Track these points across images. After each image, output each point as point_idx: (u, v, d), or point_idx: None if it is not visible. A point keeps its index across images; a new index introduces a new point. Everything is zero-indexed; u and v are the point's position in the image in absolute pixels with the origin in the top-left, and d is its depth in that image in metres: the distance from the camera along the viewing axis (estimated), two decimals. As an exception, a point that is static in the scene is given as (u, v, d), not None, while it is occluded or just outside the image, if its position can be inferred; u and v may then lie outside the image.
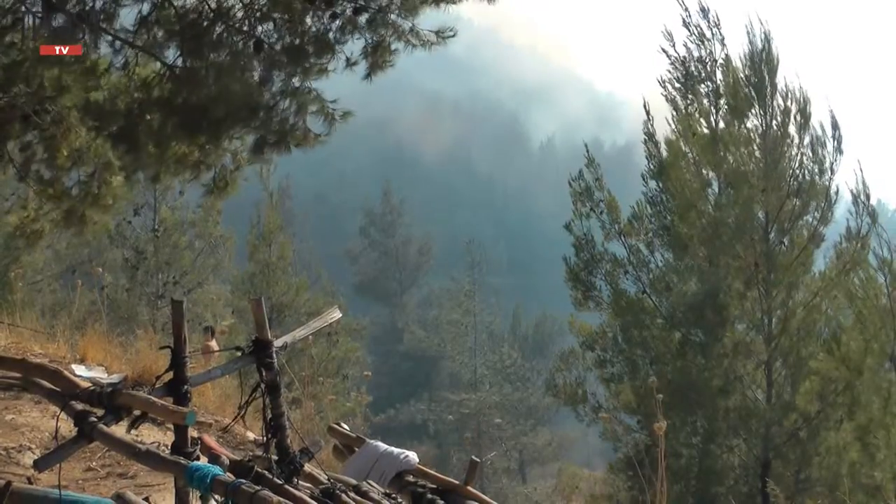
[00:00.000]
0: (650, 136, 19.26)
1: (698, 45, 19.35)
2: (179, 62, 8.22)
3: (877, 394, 16.21)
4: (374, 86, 8.81)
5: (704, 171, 18.72)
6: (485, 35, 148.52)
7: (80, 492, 5.69)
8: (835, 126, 17.96)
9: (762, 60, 18.16)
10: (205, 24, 7.87)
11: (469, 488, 4.53)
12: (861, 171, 17.70)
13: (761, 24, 18.67)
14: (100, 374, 8.99)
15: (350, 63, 8.37)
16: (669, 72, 19.52)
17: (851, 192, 17.65)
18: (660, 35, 19.68)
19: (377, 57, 8.38)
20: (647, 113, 19.31)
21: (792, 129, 18.00)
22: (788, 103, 18.02)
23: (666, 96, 19.53)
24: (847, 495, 13.45)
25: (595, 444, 34.40)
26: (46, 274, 23.43)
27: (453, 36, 8.36)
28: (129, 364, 10.17)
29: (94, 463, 6.85)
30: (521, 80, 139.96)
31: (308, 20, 8.07)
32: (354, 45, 8.42)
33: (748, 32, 18.39)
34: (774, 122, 17.96)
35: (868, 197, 17.63)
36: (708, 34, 19.29)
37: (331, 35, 8.16)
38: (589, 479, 25.85)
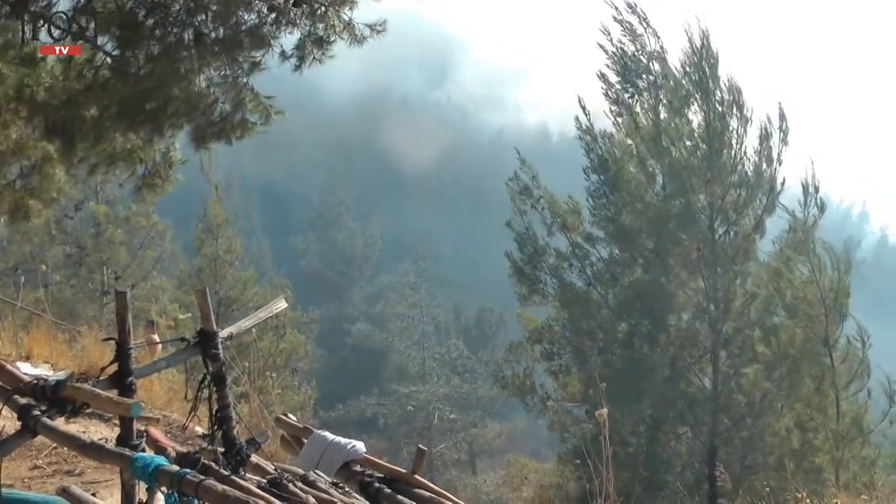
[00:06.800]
0: (587, 131, 19.50)
1: (632, 40, 19.66)
2: (117, 52, 8.10)
3: (813, 379, 16.60)
4: (323, 76, 8.82)
5: (649, 164, 18.96)
6: (434, 30, 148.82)
7: (26, 490, 5.63)
8: (781, 118, 18.47)
9: (703, 56, 18.46)
10: (141, 13, 7.77)
11: (417, 477, 4.55)
12: (812, 164, 18.18)
13: (698, 20, 18.98)
14: (45, 371, 8.85)
15: (286, 57, 8.35)
16: (608, 66, 19.79)
17: (801, 183, 18.09)
18: (593, 31, 20.03)
19: (312, 50, 8.36)
20: (583, 108, 19.61)
21: (734, 122, 18.35)
22: (730, 96, 18.35)
23: (605, 92, 19.79)
24: (791, 477, 13.71)
25: (544, 434, 34.58)
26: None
27: (384, 31, 8.39)
28: (75, 360, 10.07)
29: (40, 461, 6.79)
30: (471, 74, 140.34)
31: (243, 13, 8.00)
32: (289, 39, 8.40)
33: (686, 31, 18.72)
34: (714, 114, 18.26)
35: (817, 189, 18.04)
36: (640, 29, 19.63)
37: (266, 29, 8.11)
38: (538, 470, 26.02)
